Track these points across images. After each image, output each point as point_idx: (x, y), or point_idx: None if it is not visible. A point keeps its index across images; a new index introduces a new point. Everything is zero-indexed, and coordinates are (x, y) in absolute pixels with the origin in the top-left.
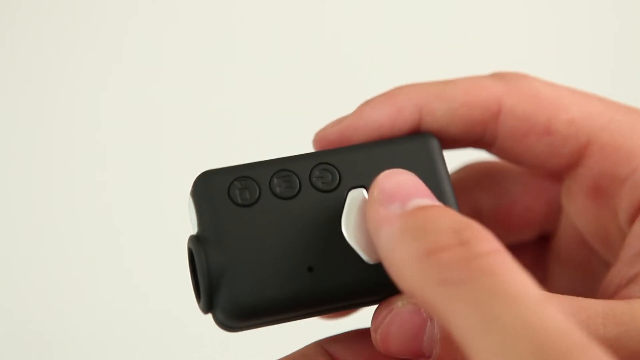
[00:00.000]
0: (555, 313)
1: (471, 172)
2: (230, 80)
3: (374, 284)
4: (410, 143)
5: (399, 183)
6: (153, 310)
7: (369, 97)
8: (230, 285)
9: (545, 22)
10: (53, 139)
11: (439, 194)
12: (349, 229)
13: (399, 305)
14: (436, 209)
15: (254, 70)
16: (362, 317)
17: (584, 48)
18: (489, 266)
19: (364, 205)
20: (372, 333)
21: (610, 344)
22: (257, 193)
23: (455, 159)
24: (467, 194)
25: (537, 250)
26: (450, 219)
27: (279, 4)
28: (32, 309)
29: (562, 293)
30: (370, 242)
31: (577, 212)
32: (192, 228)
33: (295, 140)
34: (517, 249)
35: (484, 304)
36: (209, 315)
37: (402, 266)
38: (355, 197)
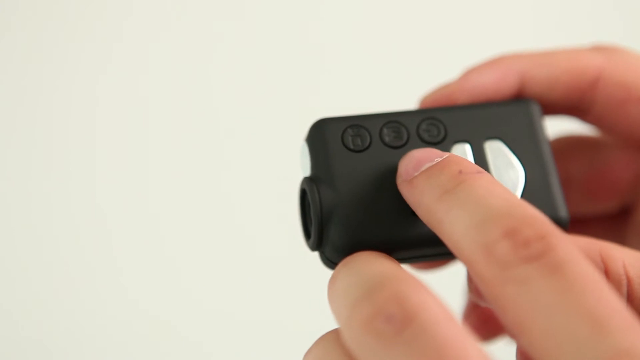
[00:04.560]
0: None
1: (564, 142)
2: (223, 81)
3: None
4: (513, 106)
5: None
6: (150, 313)
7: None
8: (341, 222)
9: (547, 22)
10: (50, 140)
11: (538, 156)
12: None
13: None
14: None
15: (248, 70)
16: None
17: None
18: None
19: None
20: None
21: None
22: (368, 140)
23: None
24: (560, 162)
25: (617, 223)
26: None
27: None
28: (30, 310)
29: None
30: None
31: None
32: (304, 172)
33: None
34: (598, 220)
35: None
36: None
37: None
38: (459, 150)
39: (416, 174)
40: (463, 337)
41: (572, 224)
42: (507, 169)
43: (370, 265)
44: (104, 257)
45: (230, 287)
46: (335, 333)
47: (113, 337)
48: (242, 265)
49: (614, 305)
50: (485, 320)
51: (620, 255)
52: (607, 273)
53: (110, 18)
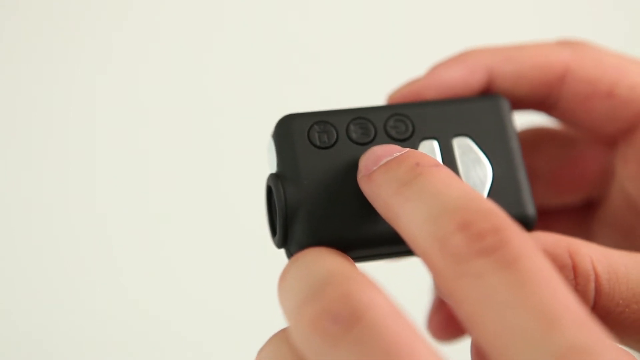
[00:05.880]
0: None
1: (532, 134)
2: (220, 81)
3: None
4: (482, 102)
5: None
6: (150, 313)
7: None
8: (306, 220)
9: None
10: (49, 139)
11: (507, 153)
12: None
13: None
14: None
15: (244, 70)
16: None
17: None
18: None
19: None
20: None
21: None
22: (335, 137)
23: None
24: (527, 154)
25: (582, 215)
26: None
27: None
28: (29, 310)
29: None
30: None
31: (631, 177)
32: (271, 168)
33: None
34: (563, 213)
35: None
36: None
37: None
38: (427, 147)
39: (375, 168)
40: (412, 335)
41: (539, 217)
42: (475, 166)
43: (320, 262)
44: (104, 257)
45: (230, 287)
46: (285, 332)
47: (113, 337)
48: (241, 265)
49: (567, 301)
50: (453, 316)
51: (588, 252)
52: (575, 269)
53: (104, 27)
